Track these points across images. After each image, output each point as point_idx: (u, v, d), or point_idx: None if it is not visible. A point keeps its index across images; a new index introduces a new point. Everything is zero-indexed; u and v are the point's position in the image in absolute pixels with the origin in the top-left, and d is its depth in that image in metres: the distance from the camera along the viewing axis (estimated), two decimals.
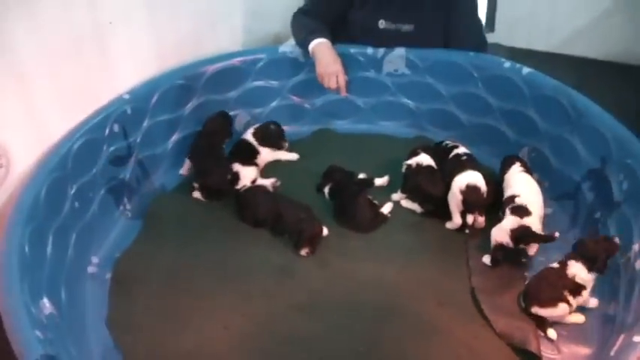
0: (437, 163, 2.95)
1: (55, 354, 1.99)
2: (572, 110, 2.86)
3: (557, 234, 2.52)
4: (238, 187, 3.01)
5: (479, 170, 2.80)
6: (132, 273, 2.64)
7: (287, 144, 3.31)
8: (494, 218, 2.71)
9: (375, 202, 2.88)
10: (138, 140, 3.02)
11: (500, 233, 2.58)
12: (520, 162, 2.89)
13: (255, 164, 3.15)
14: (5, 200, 2.52)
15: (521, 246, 2.59)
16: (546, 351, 2.26)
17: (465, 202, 2.70)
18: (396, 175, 3.01)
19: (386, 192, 3.00)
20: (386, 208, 2.88)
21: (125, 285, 2.58)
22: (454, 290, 2.52)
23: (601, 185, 2.67)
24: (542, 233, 2.59)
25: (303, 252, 2.69)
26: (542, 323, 2.33)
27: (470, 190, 2.70)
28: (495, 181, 2.89)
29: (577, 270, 2.34)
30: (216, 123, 3.19)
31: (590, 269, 2.33)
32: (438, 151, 3.04)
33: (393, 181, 3.04)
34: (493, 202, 2.78)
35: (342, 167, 3.04)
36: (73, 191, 2.65)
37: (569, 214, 2.83)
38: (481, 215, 2.74)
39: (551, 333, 2.31)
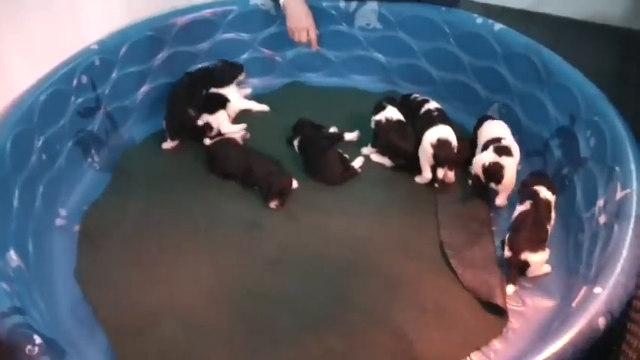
0: (406, 117, 2.96)
1: (23, 306, 1.98)
2: (542, 68, 2.87)
3: (526, 206, 2.53)
4: (212, 134, 3.00)
5: (450, 126, 2.81)
6: (100, 226, 2.62)
7: (243, 72, 3.28)
8: (464, 174, 2.75)
9: (346, 156, 2.88)
10: (106, 92, 2.98)
11: (477, 165, 2.66)
12: (494, 118, 2.94)
13: (223, 108, 3.12)
14: None
15: (492, 185, 2.65)
16: (511, 304, 2.31)
17: (435, 156, 2.71)
18: (366, 129, 3.01)
19: (356, 146, 3.00)
20: (356, 163, 2.88)
21: (93, 238, 2.57)
22: (422, 244, 2.55)
23: (569, 142, 2.70)
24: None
25: (273, 205, 2.69)
26: (522, 272, 2.39)
27: (441, 144, 2.71)
28: (466, 138, 2.91)
29: (545, 193, 2.46)
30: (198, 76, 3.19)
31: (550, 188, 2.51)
32: (408, 104, 3.04)
33: (363, 136, 3.04)
34: (463, 159, 2.81)
35: (312, 120, 3.03)
36: (39, 143, 2.61)
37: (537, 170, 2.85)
38: (451, 170, 2.76)
39: (510, 288, 2.36)
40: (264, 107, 3.27)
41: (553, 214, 2.49)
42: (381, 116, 2.93)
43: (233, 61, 3.30)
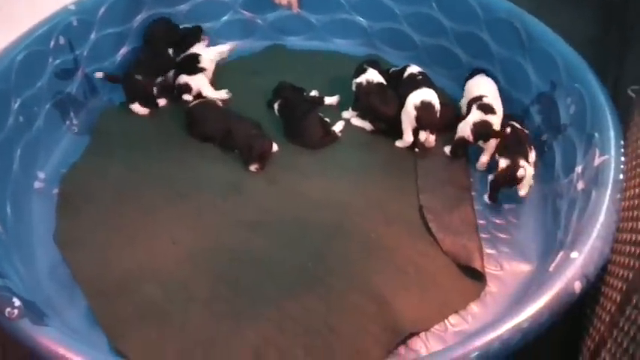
0: (387, 81, 2.95)
1: (1, 269, 1.98)
2: (524, 34, 2.86)
3: (508, 130, 2.63)
4: (190, 97, 2.97)
5: (433, 89, 2.81)
6: (79, 188, 2.61)
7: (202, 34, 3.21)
8: (445, 139, 2.77)
9: (326, 120, 2.87)
10: (85, 53, 2.94)
11: (464, 127, 2.68)
12: (486, 73, 2.94)
13: (201, 70, 3.06)
14: None
15: (480, 143, 2.68)
16: (489, 267, 2.34)
17: (418, 118, 2.71)
18: (347, 93, 3.00)
19: (337, 110, 2.99)
20: (337, 127, 2.88)
21: (72, 200, 2.56)
22: (402, 209, 2.56)
23: (549, 109, 2.71)
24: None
25: (253, 168, 2.69)
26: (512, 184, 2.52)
27: (424, 107, 2.71)
28: (449, 103, 2.92)
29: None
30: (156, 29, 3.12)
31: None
32: (390, 76, 3.01)
33: (344, 100, 3.03)
34: (445, 123, 2.81)
35: (292, 84, 3.01)
36: (16, 105, 2.58)
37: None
38: (432, 134, 2.76)
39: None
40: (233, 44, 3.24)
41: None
42: (362, 79, 2.91)
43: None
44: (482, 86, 2.83)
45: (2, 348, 2.14)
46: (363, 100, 2.90)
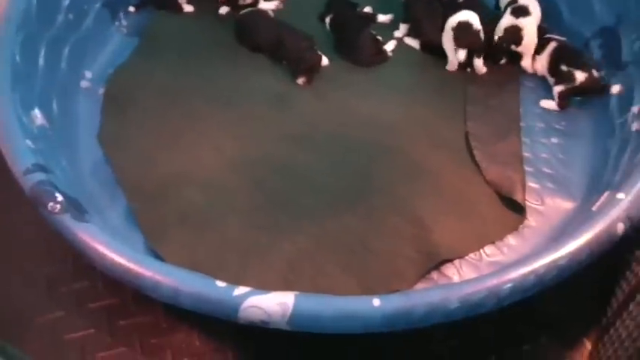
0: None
1: (46, 164, 2.01)
2: None
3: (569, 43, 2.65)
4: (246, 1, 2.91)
5: (479, 11, 2.75)
6: (125, 90, 2.62)
7: None
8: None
9: (379, 37, 2.81)
10: None
11: (498, 32, 2.68)
12: None
13: None
14: None
15: (513, 47, 2.67)
16: (531, 201, 2.30)
17: (456, 39, 2.67)
18: (401, 12, 2.92)
19: (390, 29, 2.91)
20: (389, 46, 2.81)
21: (118, 101, 2.58)
22: (449, 133, 2.52)
23: (611, 44, 2.60)
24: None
25: (300, 81, 2.66)
26: None
27: (461, 27, 2.67)
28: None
29: None
30: None
31: None
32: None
33: (397, 18, 2.94)
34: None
35: None
36: (67, 2, 2.57)
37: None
38: (479, 57, 2.70)
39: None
40: None
41: None
42: None
43: None
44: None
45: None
46: (413, 19, 2.85)
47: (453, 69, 2.75)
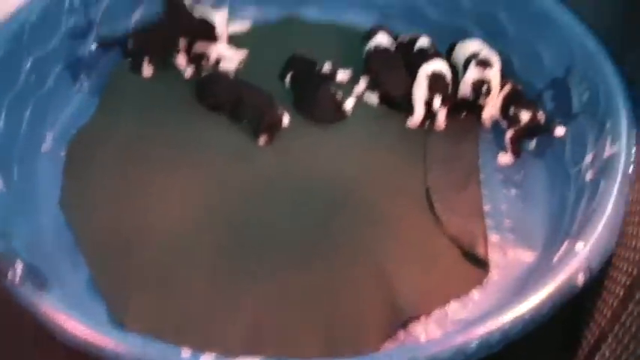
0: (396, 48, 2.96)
1: (5, 230, 1.99)
2: (542, 16, 2.81)
3: (519, 86, 2.72)
4: (210, 63, 2.94)
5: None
6: (86, 150, 2.61)
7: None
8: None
9: (339, 94, 2.84)
10: (99, 15, 2.90)
11: (464, 87, 2.72)
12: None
13: (216, 38, 3.00)
14: None
15: (480, 101, 2.72)
16: (493, 254, 2.33)
17: (431, 88, 2.71)
18: (360, 67, 2.97)
19: (350, 86, 2.95)
20: (348, 104, 2.84)
21: (79, 163, 2.57)
22: (409, 186, 2.55)
23: (562, 95, 2.67)
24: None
25: (262, 140, 2.67)
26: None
27: (436, 76, 2.72)
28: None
29: None
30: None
31: None
32: (400, 47, 2.99)
33: (356, 74, 2.98)
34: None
35: (305, 56, 2.98)
36: (28, 65, 2.57)
37: None
38: (445, 106, 2.74)
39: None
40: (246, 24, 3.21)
41: None
42: (370, 45, 2.93)
43: None
44: (472, 46, 2.84)
45: None
46: (372, 72, 2.90)
47: (416, 125, 2.77)
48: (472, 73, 2.70)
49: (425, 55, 2.83)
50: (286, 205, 2.46)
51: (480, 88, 2.68)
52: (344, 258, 2.27)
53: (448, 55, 2.90)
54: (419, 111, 2.75)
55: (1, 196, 2.20)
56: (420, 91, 2.73)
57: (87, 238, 2.30)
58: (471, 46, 2.83)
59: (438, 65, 2.75)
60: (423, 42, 2.92)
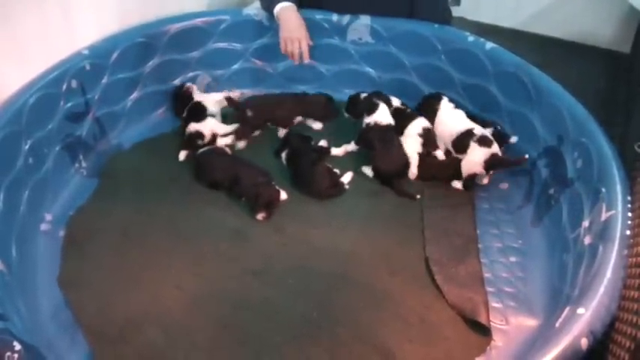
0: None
1: (3, 311, 1.96)
2: (532, 88, 2.89)
3: (526, 156, 2.81)
4: (205, 141, 3.01)
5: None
6: (85, 231, 2.61)
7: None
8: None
9: (336, 170, 2.88)
10: (96, 97, 2.97)
11: (472, 165, 2.81)
12: (445, 97, 3.11)
13: (210, 115, 3.11)
14: None
15: (491, 172, 2.84)
16: (495, 322, 2.31)
17: (425, 144, 2.92)
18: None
19: (346, 159, 3.02)
20: (345, 178, 2.88)
21: (78, 243, 2.56)
22: (408, 259, 2.55)
23: (556, 162, 2.71)
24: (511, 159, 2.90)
25: (260, 216, 2.68)
26: None
27: (427, 131, 2.96)
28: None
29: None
30: None
31: None
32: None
33: (352, 152, 3.06)
34: (449, 174, 2.91)
35: (300, 133, 3.03)
36: (27, 146, 2.59)
37: (523, 189, 2.87)
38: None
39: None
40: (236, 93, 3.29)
41: None
42: (371, 119, 3.02)
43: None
44: (460, 120, 2.97)
45: None
46: (369, 147, 2.99)
47: (414, 177, 2.92)
48: (480, 153, 2.79)
49: (407, 116, 3.04)
50: (285, 282, 2.44)
51: (492, 163, 2.80)
52: (345, 334, 2.24)
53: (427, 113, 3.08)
54: (413, 170, 2.91)
55: (0, 276, 2.17)
56: (412, 146, 2.94)
57: (85, 317, 2.26)
58: (459, 121, 2.97)
59: (425, 122, 2.99)
60: (397, 103, 3.15)
